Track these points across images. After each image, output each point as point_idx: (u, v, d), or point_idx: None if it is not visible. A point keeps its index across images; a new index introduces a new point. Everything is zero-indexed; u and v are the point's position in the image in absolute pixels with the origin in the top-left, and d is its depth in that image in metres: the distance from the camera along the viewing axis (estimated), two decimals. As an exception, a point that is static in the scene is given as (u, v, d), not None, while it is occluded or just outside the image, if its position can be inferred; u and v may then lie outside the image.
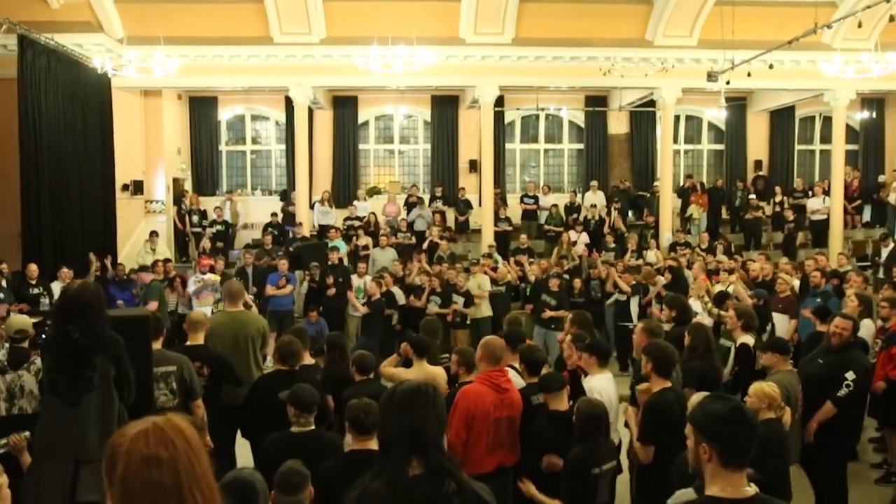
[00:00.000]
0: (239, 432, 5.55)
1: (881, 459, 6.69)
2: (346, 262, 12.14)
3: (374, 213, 15.00)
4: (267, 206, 15.82)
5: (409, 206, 15.39)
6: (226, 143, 17.44)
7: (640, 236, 14.38)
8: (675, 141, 16.54)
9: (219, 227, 14.80)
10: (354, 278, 11.02)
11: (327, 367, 5.63)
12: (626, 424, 4.71)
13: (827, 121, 16.96)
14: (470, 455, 4.17)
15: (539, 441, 4.32)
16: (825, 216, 15.02)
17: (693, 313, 7.17)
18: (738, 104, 17.21)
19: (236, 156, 17.56)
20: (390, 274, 10.93)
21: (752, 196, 15.89)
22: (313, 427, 4.06)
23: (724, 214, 16.55)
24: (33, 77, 10.60)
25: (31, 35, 10.53)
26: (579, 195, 16.45)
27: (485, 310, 10.50)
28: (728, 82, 11.85)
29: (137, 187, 14.68)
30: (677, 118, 16.79)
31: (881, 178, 17.04)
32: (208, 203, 15.74)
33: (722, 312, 7.15)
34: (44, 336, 5.15)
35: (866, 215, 16.86)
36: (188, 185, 16.52)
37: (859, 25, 9.98)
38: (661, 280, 10.05)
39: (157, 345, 4.88)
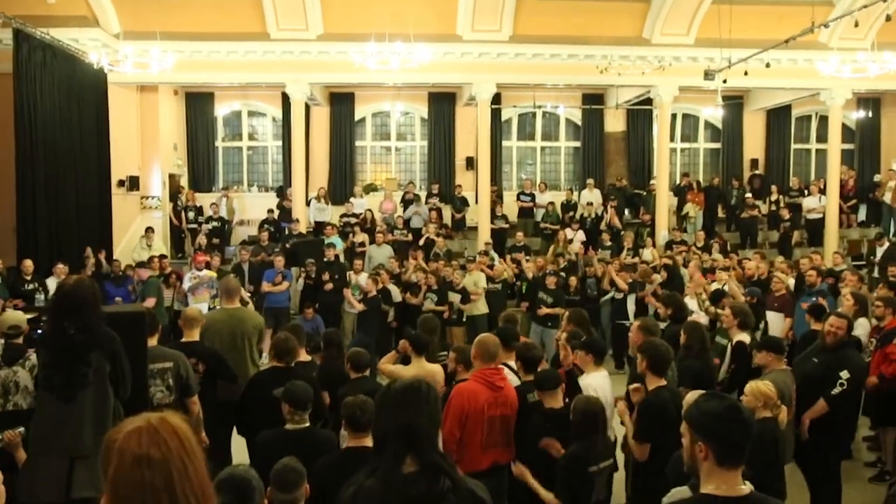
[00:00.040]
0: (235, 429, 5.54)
1: (875, 458, 6.72)
2: (342, 258, 12.15)
3: (370, 210, 14.97)
4: (263, 203, 15.76)
5: (406, 202, 15.38)
6: (222, 140, 17.38)
7: (636, 234, 14.44)
8: (672, 139, 16.53)
9: (215, 224, 14.77)
10: (351, 275, 11.01)
11: (323, 364, 5.62)
12: (622, 422, 4.72)
13: (823, 120, 16.99)
14: (464, 453, 4.16)
15: (534, 439, 4.32)
16: (821, 215, 15.08)
17: (689, 311, 7.20)
18: (735, 103, 17.23)
19: (233, 152, 17.50)
20: (386, 271, 10.90)
21: (748, 195, 15.93)
22: (308, 424, 4.05)
23: (721, 213, 16.55)
24: (29, 72, 10.56)
25: (27, 29, 10.48)
26: (576, 193, 16.43)
27: (481, 307, 10.52)
28: (725, 81, 11.89)
29: (133, 183, 14.66)
30: (674, 116, 16.76)
31: (877, 178, 17.05)
32: (204, 199, 15.69)
33: (719, 310, 7.16)
34: (39, 332, 5.14)
35: (862, 214, 16.89)
36: (184, 182, 16.47)
37: (856, 25, 9.98)
38: (658, 278, 10.07)
39: (152, 341, 4.87)
